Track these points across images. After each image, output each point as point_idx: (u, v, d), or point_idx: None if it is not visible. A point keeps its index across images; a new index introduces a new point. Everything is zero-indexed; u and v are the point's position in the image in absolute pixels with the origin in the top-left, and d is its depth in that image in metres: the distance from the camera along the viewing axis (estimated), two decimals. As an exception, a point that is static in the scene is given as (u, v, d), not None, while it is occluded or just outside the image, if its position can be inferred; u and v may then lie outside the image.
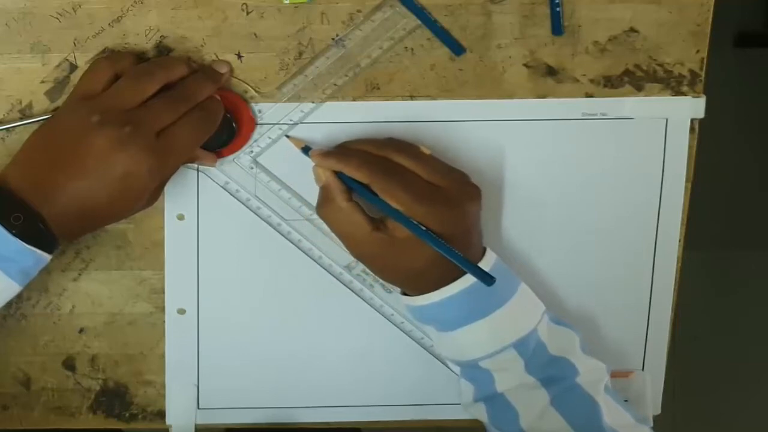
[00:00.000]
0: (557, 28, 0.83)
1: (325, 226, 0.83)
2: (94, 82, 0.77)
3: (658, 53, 0.84)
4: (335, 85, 0.83)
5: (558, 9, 0.82)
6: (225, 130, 0.81)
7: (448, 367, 0.87)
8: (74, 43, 0.81)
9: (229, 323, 0.88)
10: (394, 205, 0.77)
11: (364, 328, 0.88)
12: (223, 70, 0.81)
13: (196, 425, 0.89)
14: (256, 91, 0.82)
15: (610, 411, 0.79)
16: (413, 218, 0.77)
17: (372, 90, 0.83)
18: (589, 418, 0.79)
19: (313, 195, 0.82)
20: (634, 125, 0.85)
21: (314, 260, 0.86)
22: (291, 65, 0.82)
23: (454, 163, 0.82)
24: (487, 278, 0.77)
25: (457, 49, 0.82)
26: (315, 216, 0.84)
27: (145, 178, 0.74)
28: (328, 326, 0.88)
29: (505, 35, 0.83)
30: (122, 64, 0.78)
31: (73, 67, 0.82)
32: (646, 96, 0.85)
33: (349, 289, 0.87)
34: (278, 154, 0.84)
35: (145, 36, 0.81)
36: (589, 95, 0.84)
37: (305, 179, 0.82)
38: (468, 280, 0.78)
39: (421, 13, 0.81)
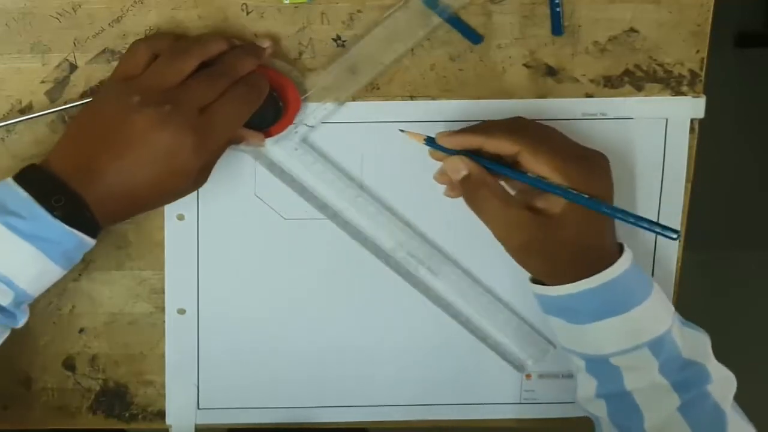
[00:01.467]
0: (557, 28, 0.83)
1: (369, 208, 0.83)
2: (133, 63, 0.77)
3: (658, 53, 0.84)
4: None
5: (558, 9, 0.82)
6: (271, 108, 0.80)
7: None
8: (74, 43, 0.81)
9: (229, 323, 0.88)
10: (545, 173, 0.75)
11: (366, 327, 0.88)
12: (266, 44, 0.80)
13: (196, 425, 0.89)
14: (301, 72, 0.82)
15: (735, 425, 0.77)
16: (566, 185, 0.74)
17: (372, 90, 0.83)
18: (715, 429, 0.77)
19: (356, 177, 0.83)
20: (634, 125, 0.85)
21: (360, 243, 0.86)
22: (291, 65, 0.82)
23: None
24: (669, 231, 0.74)
25: (474, 37, 0.82)
26: (359, 198, 0.83)
27: (188, 156, 0.73)
28: (329, 326, 0.88)
29: (505, 35, 0.83)
30: (160, 45, 0.78)
31: (73, 67, 0.82)
32: (646, 96, 0.85)
33: (398, 274, 0.86)
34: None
35: (145, 36, 0.81)
36: (589, 95, 0.84)
37: (350, 160, 0.83)
38: (609, 274, 0.76)
39: (435, 5, 0.81)
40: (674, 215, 0.87)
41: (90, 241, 0.74)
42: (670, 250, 0.88)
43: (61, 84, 0.82)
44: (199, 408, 0.89)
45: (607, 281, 0.76)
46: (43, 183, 0.72)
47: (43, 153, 0.81)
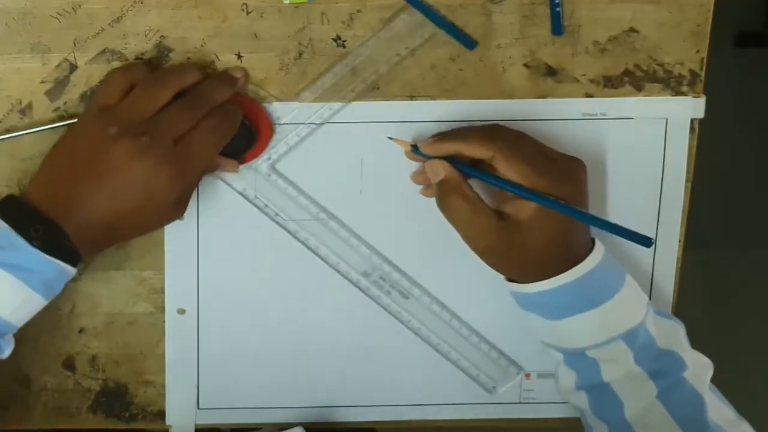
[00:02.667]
0: (557, 28, 0.83)
1: (342, 232, 0.84)
2: (109, 94, 0.78)
3: (658, 53, 0.84)
4: (353, 91, 0.83)
5: (558, 9, 0.82)
6: (244, 135, 0.81)
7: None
8: (74, 43, 0.81)
9: (229, 323, 0.88)
10: (518, 178, 0.77)
11: (366, 328, 0.88)
12: (238, 74, 0.81)
13: (196, 425, 0.89)
14: (273, 97, 0.82)
15: (714, 406, 0.79)
16: (536, 190, 0.76)
17: (372, 90, 0.83)
18: (694, 413, 0.79)
19: (329, 201, 0.84)
20: (634, 125, 0.85)
21: (332, 266, 0.86)
22: (291, 65, 0.82)
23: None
24: (643, 239, 0.76)
25: (469, 42, 0.82)
26: (331, 222, 0.84)
27: (165, 186, 0.75)
28: (329, 326, 0.88)
29: (505, 35, 0.83)
30: (136, 75, 0.78)
31: (73, 67, 0.82)
32: (646, 96, 0.85)
33: (366, 295, 0.87)
34: (296, 159, 0.84)
35: (145, 36, 0.81)
36: (589, 95, 0.84)
37: (322, 184, 0.83)
38: (581, 269, 0.78)
39: (428, 12, 0.81)
40: (674, 215, 0.87)
41: (71, 270, 0.75)
42: (670, 250, 0.88)
43: (61, 84, 0.82)
44: (199, 408, 0.89)
45: (579, 277, 0.78)
46: (21, 213, 0.73)
47: (43, 153, 0.82)
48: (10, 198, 0.75)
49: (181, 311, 0.87)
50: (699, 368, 0.81)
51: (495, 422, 0.91)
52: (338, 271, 0.86)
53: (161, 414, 0.89)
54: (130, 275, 0.86)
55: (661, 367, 0.80)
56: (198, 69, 0.80)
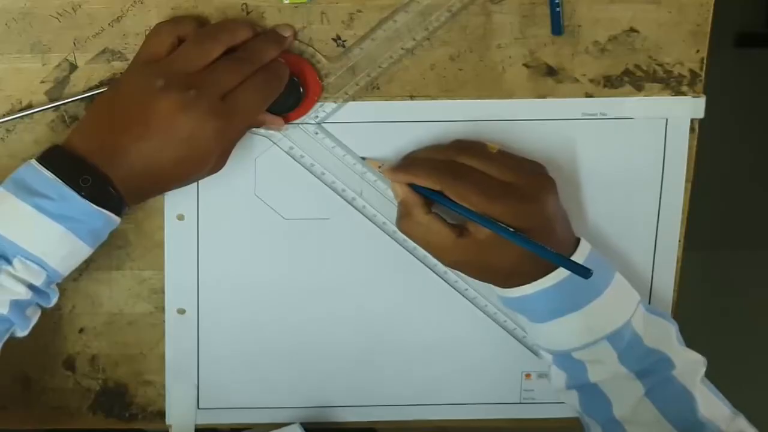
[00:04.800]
0: (557, 28, 0.83)
1: (389, 192, 0.84)
2: (157, 45, 0.78)
3: (658, 53, 0.84)
4: (402, 48, 0.82)
5: (558, 9, 0.82)
6: (291, 93, 0.81)
7: (538, 355, 0.86)
8: (74, 43, 0.81)
9: (229, 323, 0.88)
10: (469, 207, 0.78)
11: (365, 328, 0.88)
12: (287, 33, 0.81)
13: (196, 425, 0.89)
14: (323, 56, 0.82)
15: (706, 402, 0.79)
16: (491, 217, 0.77)
17: (372, 90, 0.83)
18: (684, 410, 0.79)
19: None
20: (634, 125, 0.85)
21: (378, 226, 0.86)
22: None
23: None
24: (582, 271, 0.76)
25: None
26: (378, 182, 0.84)
27: (210, 140, 0.75)
28: (328, 326, 0.88)
29: (505, 35, 0.83)
30: (185, 28, 0.78)
31: (73, 67, 0.82)
32: (646, 96, 0.85)
33: (427, 267, 0.87)
34: (344, 119, 0.84)
35: (145, 36, 0.81)
36: (589, 95, 0.84)
37: (370, 145, 0.83)
38: (561, 273, 0.78)
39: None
40: (674, 215, 0.87)
41: (116, 219, 0.75)
42: (670, 250, 0.88)
43: (61, 84, 0.82)
44: (199, 408, 0.89)
45: (560, 281, 0.78)
46: (69, 164, 0.73)
47: (43, 153, 0.82)
48: (55, 148, 0.75)
49: (181, 311, 0.87)
50: (689, 366, 0.81)
51: (495, 422, 0.91)
52: (384, 231, 0.86)
53: (161, 414, 0.89)
54: (130, 275, 0.86)
55: (648, 366, 0.80)
56: (249, 26, 0.79)
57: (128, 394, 0.89)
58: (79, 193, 0.72)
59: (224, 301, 0.87)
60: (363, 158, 0.84)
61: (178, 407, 0.89)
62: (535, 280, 0.79)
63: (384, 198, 0.85)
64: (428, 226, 0.80)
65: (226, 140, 0.77)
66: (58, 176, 0.73)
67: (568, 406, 0.86)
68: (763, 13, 2.07)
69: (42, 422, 0.89)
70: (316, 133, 0.84)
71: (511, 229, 0.77)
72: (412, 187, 0.80)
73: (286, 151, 0.84)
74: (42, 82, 0.82)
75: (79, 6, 0.81)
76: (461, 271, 0.84)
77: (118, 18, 0.81)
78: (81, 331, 0.87)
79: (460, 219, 0.79)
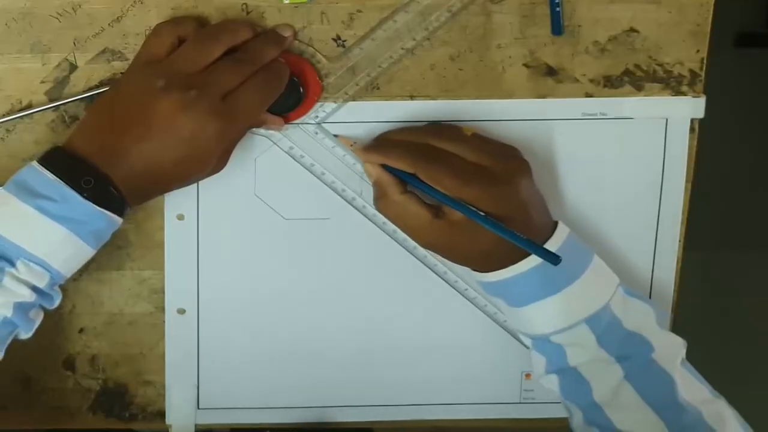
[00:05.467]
0: (557, 28, 0.83)
1: None
2: (158, 46, 0.78)
3: (658, 53, 0.84)
4: (402, 48, 0.82)
5: (558, 9, 0.82)
6: (292, 93, 0.81)
7: (520, 341, 0.86)
8: (74, 43, 0.81)
9: (229, 323, 0.88)
10: (442, 191, 0.78)
11: (366, 328, 0.88)
12: (287, 33, 0.81)
13: (196, 425, 0.89)
14: (323, 56, 0.82)
15: (687, 385, 0.79)
16: (464, 201, 0.77)
17: (372, 90, 0.83)
18: (664, 393, 0.79)
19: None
20: (634, 125, 0.85)
21: (378, 226, 0.86)
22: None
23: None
24: (551, 257, 0.76)
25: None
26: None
27: (211, 140, 0.75)
28: (328, 326, 0.88)
29: (505, 35, 0.83)
30: (185, 28, 0.78)
31: (73, 67, 0.82)
32: (646, 96, 0.85)
33: (425, 265, 0.87)
34: (343, 119, 0.84)
35: (145, 36, 0.81)
36: (589, 95, 0.84)
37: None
38: (536, 258, 0.78)
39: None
40: (674, 215, 0.87)
41: (118, 220, 0.75)
42: (670, 250, 0.88)
43: (61, 84, 0.82)
44: (199, 408, 0.89)
45: (538, 264, 0.78)
46: (70, 165, 0.73)
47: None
48: (56, 150, 0.75)
49: (181, 311, 0.87)
50: (669, 349, 0.81)
51: (495, 422, 0.91)
52: (384, 231, 0.86)
53: (161, 414, 0.89)
54: (130, 275, 0.86)
55: (627, 350, 0.80)
56: (249, 26, 0.79)
57: (128, 394, 0.89)
58: (80, 194, 0.72)
59: (224, 301, 0.87)
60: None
61: (178, 407, 0.89)
62: (512, 263, 0.79)
63: None
64: (404, 206, 0.80)
65: (227, 140, 0.77)
66: (59, 177, 0.73)
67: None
68: (763, 13, 2.07)
69: (42, 422, 0.89)
70: (316, 133, 0.84)
71: (482, 213, 0.77)
72: (386, 168, 0.80)
73: (286, 151, 0.84)
74: (42, 82, 0.82)
75: (79, 6, 0.81)
76: (437, 253, 0.84)
77: (118, 18, 0.81)
78: (81, 331, 0.87)
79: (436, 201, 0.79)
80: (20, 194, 0.73)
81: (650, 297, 0.88)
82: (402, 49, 0.82)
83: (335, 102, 0.83)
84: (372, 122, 0.84)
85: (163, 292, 0.87)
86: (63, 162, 0.74)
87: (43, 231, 0.73)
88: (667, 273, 0.88)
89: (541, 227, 0.80)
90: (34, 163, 0.74)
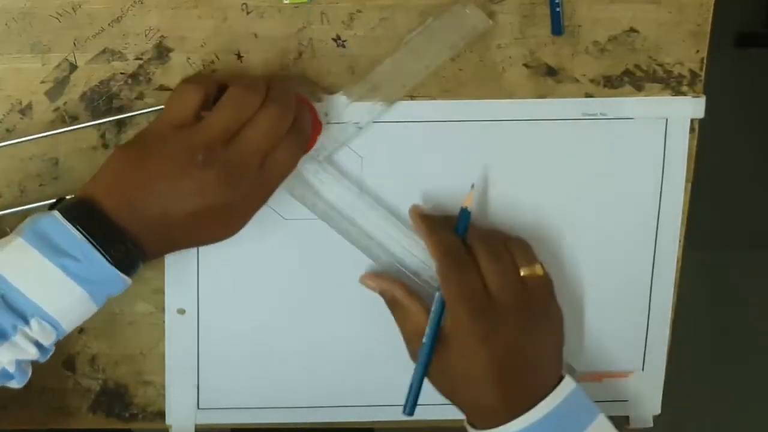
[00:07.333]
0: (557, 28, 0.83)
1: (396, 231, 0.84)
2: (185, 107, 0.74)
3: (658, 53, 0.84)
4: (404, 86, 0.82)
5: (558, 9, 0.82)
6: None
7: None
8: (74, 43, 0.81)
9: (229, 323, 0.88)
10: (444, 295, 0.78)
11: (366, 327, 0.88)
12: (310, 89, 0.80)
13: (196, 425, 0.89)
14: (323, 91, 0.82)
15: None
16: (454, 319, 0.77)
17: (372, 90, 0.83)
18: None
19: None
20: (634, 125, 0.85)
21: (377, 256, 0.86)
22: (291, 65, 0.82)
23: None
24: (407, 408, 0.79)
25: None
26: (381, 219, 0.84)
27: (248, 209, 0.75)
28: (329, 326, 0.88)
29: (505, 35, 0.83)
30: (209, 88, 0.75)
31: (73, 67, 0.82)
32: (646, 96, 0.85)
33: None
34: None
35: (145, 36, 0.81)
36: (589, 95, 0.84)
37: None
38: (537, 413, 0.76)
39: None
40: (674, 215, 0.87)
41: (129, 282, 0.73)
42: (671, 250, 0.88)
43: (61, 84, 0.82)
44: (199, 408, 0.89)
45: (538, 419, 0.76)
46: (105, 229, 0.71)
47: (43, 153, 0.82)
48: (88, 207, 0.71)
49: (181, 311, 0.87)
50: None
51: (495, 422, 0.91)
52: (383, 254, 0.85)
53: (161, 414, 0.89)
54: (130, 275, 0.86)
55: None
56: (265, 81, 0.76)
57: (128, 394, 0.89)
58: (107, 257, 0.70)
59: (224, 301, 0.87)
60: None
61: (178, 407, 0.89)
62: (510, 419, 0.76)
63: (391, 237, 0.85)
64: (406, 315, 0.82)
65: (262, 203, 0.76)
66: (86, 236, 0.70)
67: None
68: (763, 13, 2.07)
69: (42, 422, 0.89)
70: (318, 172, 0.83)
71: (429, 343, 0.78)
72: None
73: (288, 192, 0.83)
74: (42, 82, 0.82)
75: (79, 6, 0.81)
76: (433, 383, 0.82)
77: (118, 18, 0.81)
78: (81, 331, 0.87)
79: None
80: (43, 248, 0.69)
81: (650, 297, 0.88)
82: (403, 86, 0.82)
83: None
84: (372, 122, 0.84)
85: (163, 292, 0.87)
86: (89, 217, 0.71)
87: (63, 291, 0.70)
88: (667, 273, 0.88)
89: (542, 380, 0.78)
90: (57, 215, 0.71)
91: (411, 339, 0.82)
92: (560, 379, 0.79)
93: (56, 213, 0.71)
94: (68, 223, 0.70)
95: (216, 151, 0.72)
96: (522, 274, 0.79)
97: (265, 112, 0.74)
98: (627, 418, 0.90)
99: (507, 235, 0.83)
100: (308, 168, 0.83)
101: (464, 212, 0.81)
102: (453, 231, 0.81)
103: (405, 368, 0.89)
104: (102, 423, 0.89)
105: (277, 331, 0.88)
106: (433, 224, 0.81)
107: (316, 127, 0.81)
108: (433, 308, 0.80)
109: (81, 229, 0.70)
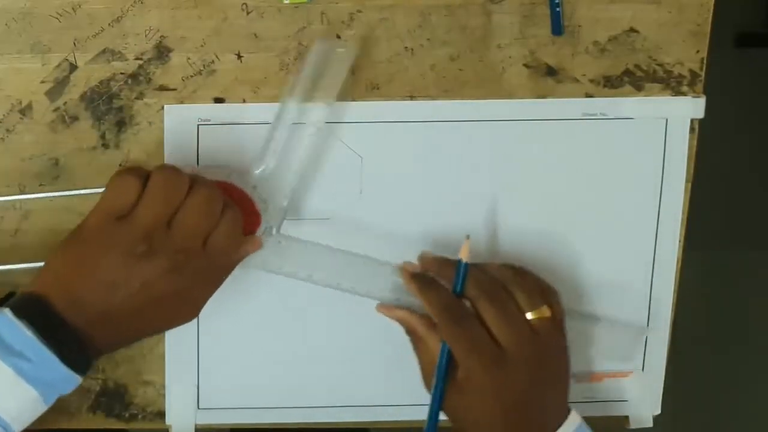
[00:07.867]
0: (557, 28, 0.83)
1: (377, 279, 0.83)
2: (123, 198, 0.72)
3: (658, 53, 0.84)
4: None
5: (558, 9, 0.82)
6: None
7: None
8: (74, 43, 0.81)
9: (230, 323, 0.88)
10: (453, 351, 0.76)
11: (366, 327, 0.88)
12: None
13: (196, 425, 0.89)
14: (229, 169, 0.79)
15: None
16: (466, 371, 0.76)
17: (372, 90, 0.83)
18: None
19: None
20: (634, 125, 0.85)
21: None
22: (291, 65, 0.82)
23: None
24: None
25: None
26: (359, 271, 0.83)
27: (205, 293, 0.75)
28: (329, 326, 0.88)
29: (505, 35, 0.83)
30: (143, 173, 0.73)
31: (73, 67, 0.82)
32: (646, 96, 0.85)
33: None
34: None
35: (145, 36, 0.81)
36: (589, 95, 0.84)
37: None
38: None
39: None
40: (674, 215, 0.87)
41: (80, 381, 0.71)
42: (671, 250, 0.88)
43: (61, 84, 0.82)
44: (199, 408, 0.89)
45: None
46: (53, 326, 0.69)
47: (42, 153, 0.82)
48: (39, 305, 0.69)
49: (181, 311, 0.87)
50: None
51: (495, 422, 0.91)
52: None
53: (161, 414, 0.89)
54: (130, 275, 0.86)
55: None
56: (188, 167, 0.75)
57: (128, 394, 0.89)
58: (60, 357, 0.68)
59: (224, 302, 0.87)
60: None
61: (178, 407, 0.89)
62: None
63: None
64: (420, 345, 0.80)
65: (216, 285, 0.76)
66: (37, 334, 0.68)
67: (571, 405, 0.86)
68: (763, 13, 2.07)
69: (42, 422, 0.89)
70: (279, 242, 0.81)
71: (439, 391, 0.77)
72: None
73: (273, 270, 0.82)
74: (42, 82, 0.82)
75: (79, 6, 0.81)
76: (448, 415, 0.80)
77: (118, 18, 0.81)
78: (81, 331, 0.87)
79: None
80: None
81: (650, 297, 0.88)
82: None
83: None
84: (372, 122, 0.84)
85: (163, 292, 0.86)
86: (41, 315, 0.69)
87: (15, 393, 0.68)
88: (667, 273, 0.88)
89: (549, 418, 0.77)
90: (7, 312, 0.68)
91: (427, 370, 0.81)
92: (567, 413, 0.78)
93: (7, 311, 0.69)
94: (19, 321, 0.68)
95: (155, 240, 0.71)
96: (529, 317, 0.77)
97: (195, 195, 0.72)
98: (627, 418, 0.90)
99: (504, 271, 0.80)
100: (268, 242, 0.81)
101: (461, 264, 0.79)
102: (444, 286, 0.79)
103: (404, 369, 0.89)
104: (102, 423, 0.89)
105: (277, 331, 0.88)
106: (424, 282, 0.79)
107: (256, 218, 0.79)
108: (438, 361, 0.78)
109: (33, 328, 0.68)
